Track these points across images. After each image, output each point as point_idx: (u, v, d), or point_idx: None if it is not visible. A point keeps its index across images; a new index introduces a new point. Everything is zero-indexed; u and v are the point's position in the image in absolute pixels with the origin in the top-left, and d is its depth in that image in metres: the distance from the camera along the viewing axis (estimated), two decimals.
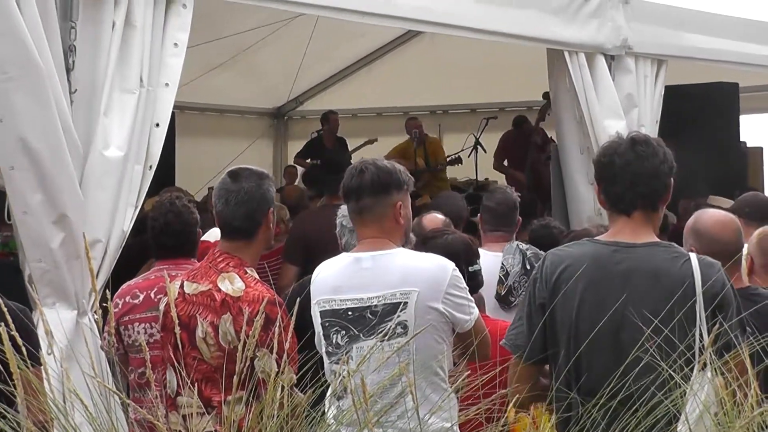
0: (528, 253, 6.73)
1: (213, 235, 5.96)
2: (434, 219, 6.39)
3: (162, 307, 4.70)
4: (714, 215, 5.17)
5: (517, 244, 6.79)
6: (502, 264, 6.70)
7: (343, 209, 5.20)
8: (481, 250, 6.51)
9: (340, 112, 15.70)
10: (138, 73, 5.62)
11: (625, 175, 4.23)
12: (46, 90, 5.13)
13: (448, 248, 5.32)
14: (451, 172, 14.36)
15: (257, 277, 4.56)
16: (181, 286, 4.57)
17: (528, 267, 6.57)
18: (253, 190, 4.57)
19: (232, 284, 4.49)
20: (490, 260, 6.61)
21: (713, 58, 9.72)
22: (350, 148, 14.34)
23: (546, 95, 13.25)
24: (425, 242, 5.47)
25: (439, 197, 8.53)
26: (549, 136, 13.24)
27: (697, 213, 5.25)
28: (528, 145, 13.54)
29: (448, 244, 5.39)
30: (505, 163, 14.18)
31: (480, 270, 5.51)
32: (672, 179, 4.28)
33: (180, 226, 5.76)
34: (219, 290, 4.48)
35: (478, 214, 7.31)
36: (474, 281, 5.43)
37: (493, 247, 6.88)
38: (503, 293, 6.66)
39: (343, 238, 5.47)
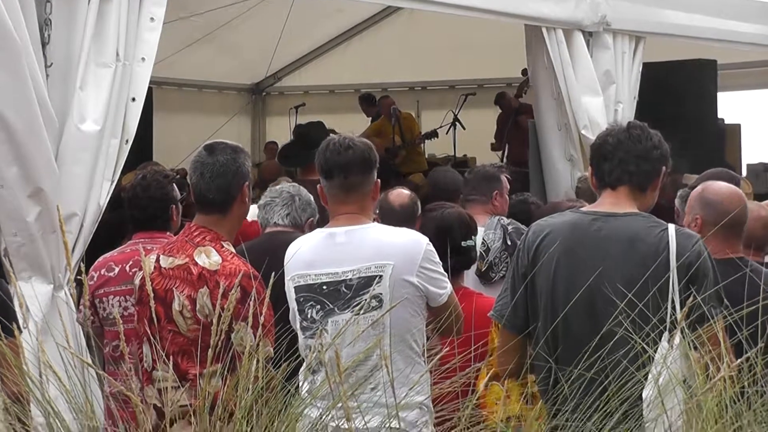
0: (509, 228, 6.72)
1: (252, 213, 5.95)
2: (400, 194, 6.39)
3: (137, 281, 4.69)
4: (723, 186, 5.20)
5: (499, 219, 6.79)
6: (483, 240, 6.70)
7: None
8: None
9: (317, 89, 15.71)
10: (114, 47, 5.60)
11: (616, 152, 4.31)
12: (21, 64, 5.10)
13: (444, 222, 5.35)
14: (430, 148, 14.38)
15: (233, 250, 4.56)
16: (157, 260, 4.57)
17: (509, 242, 6.57)
18: (228, 163, 4.56)
19: (208, 258, 4.48)
20: None
21: (691, 35, 9.74)
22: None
23: (525, 72, 13.30)
24: (423, 214, 5.47)
25: (436, 171, 8.52)
26: (524, 108, 13.31)
27: (705, 183, 5.28)
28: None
29: (444, 218, 5.41)
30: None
31: (474, 246, 5.51)
32: (665, 168, 4.33)
33: (147, 201, 5.76)
34: (196, 264, 4.48)
35: None
36: (466, 256, 5.44)
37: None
38: (484, 269, 6.66)
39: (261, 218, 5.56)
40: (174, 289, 4.48)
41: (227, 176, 4.55)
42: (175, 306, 4.46)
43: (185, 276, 4.48)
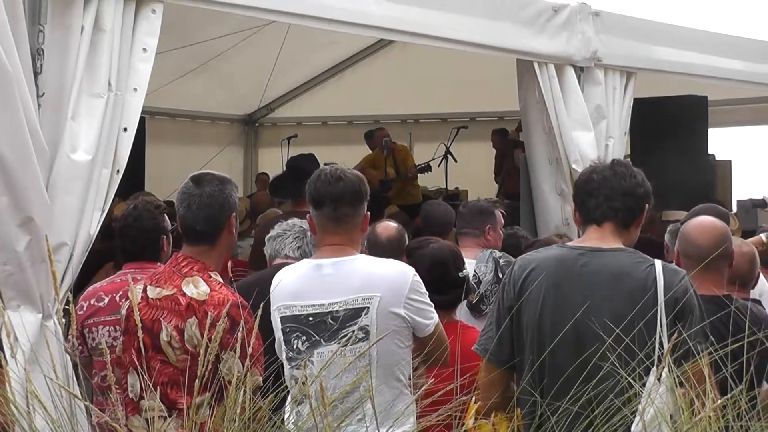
0: (501, 261, 6.74)
1: None
2: (388, 227, 6.41)
3: (124, 311, 4.69)
4: (700, 220, 5.23)
5: (491, 252, 6.80)
6: (475, 272, 6.71)
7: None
8: None
9: (310, 120, 15.72)
10: (106, 77, 5.60)
11: (601, 189, 4.35)
12: (13, 93, 5.11)
13: (437, 256, 5.35)
14: (422, 181, 14.39)
15: (221, 280, 4.57)
16: (144, 291, 4.57)
17: (500, 275, 6.57)
18: (215, 194, 4.57)
19: (196, 288, 4.49)
20: None
21: (682, 71, 9.76)
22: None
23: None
24: (411, 253, 5.49)
25: (429, 204, 8.54)
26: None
27: (689, 216, 5.34)
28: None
29: (436, 253, 5.42)
30: None
31: (468, 275, 5.53)
32: (647, 206, 4.36)
33: (137, 231, 5.76)
34: (184, 294, 4.49)
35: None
36: (467, 286, 5.45)
37: (467, 253, 6.88)
38: (475, 301, 6.66)
39: (268, 251, 5.55)
40: (162, 319, 4.48)
41: (214, 207, 4.56)
42: (163, 336, 4.46)
43: (173, 306, 4.49)
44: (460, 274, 5.45)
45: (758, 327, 4.46)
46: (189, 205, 4.59)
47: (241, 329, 4.03)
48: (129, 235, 5.78)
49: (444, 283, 5.18)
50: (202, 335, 4.36)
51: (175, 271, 4.58)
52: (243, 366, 3.99)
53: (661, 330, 4.05)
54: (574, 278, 4.25)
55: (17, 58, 5.14)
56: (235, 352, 4.04)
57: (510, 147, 13.78)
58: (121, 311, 4.79)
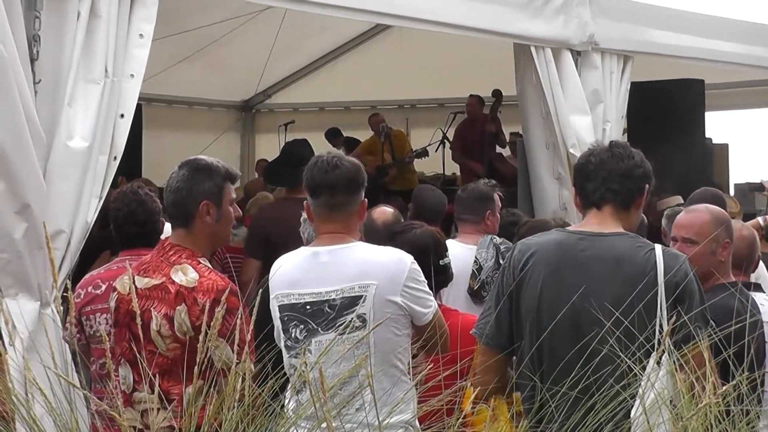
0: (502, 247, 6.72)
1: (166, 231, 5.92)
2: (384, 212, 6.40)
3: (112, 303, 4.68)
4: (693, 207, 5.26)
5: (491, 238, 6.79)
6: (476, 258, 6.70)
7: None
8: (454, 243, 6.55)
9: (307, 106, 15.70)
10: (103, 63, 5.59)
11: (599, 172, 4.32)
12: (9, 80, 5.10)
13: (418, 242, 5.33)
14: (419, 167, 14.39)
15: (210, 266, 4.57)
16: (132, 281, 4.55)
17: (501, 261, 6.55)
18: (183, 179, 4.57)
19: (185, 275, 4.48)
20: (464, 253, 6.63)
21: (679, 55, 9.77)
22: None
23: (495, 92, 13.35)
24: (393, 237, 5.48)
25: (421, 190, 8.51)
26: (502, 128, 13.40)
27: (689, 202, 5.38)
28: (483, 136, 13.57)
29: (417, 239, 5.40)
30: None
31: (450, 263, 5.52)
32: (647, 186, 4.34)
33: (144, 216, 5.74)
34: (173, 282, 4.48)
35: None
36: (445, 274, 5.45)
37: (467, 239, 6.89)
38: (476, 287, 6.66)
39: (305, 233, 5.48)
40: (151, 309, 4.47)
41: (180, 193, 4.58)
42: (153, 326, 4.45)
43: (162, 295, 4.48)
44: (441, 262, 5.42)
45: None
46: (167, 188, 4.63)
47: (239, 316, 4.04)
48: (135, 221, 5.73)
49: (424, 270, 5.18)
50: (191, 322, 4.36)
51: (163, 259, 4.57)
52: (233, 352, 4.00)
53: (661, 314, 4.05)
54: (573, 263, 4.24)
55: (13, 44, 5.13)
56: (228, 340, 4.04)
57: (481, 119, 13.73)
58: (109, 303, 4.77)
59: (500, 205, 7.21)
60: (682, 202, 8.23)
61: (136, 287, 4.49)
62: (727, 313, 4.21)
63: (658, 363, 3.80)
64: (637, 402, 3.44)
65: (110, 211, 5.88)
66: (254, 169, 15.02)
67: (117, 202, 5.82)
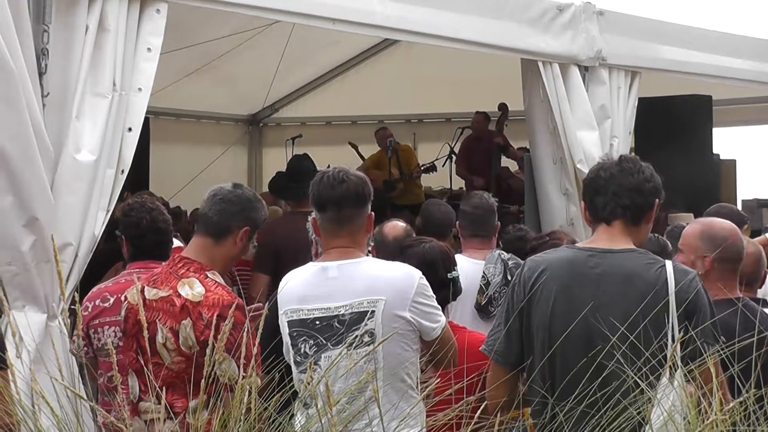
0: (510, 263, 6.70)
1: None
2: (395, 226, 6.39)
3: (123, 313, 4.69)
4: (700, 218, 5.28)
5: (499, 254, 6.77)
6: (484, 273, 6.68)
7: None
8: (462, 258, 6.52)
9: (314, 120, 15.69)
10: (111, 77, 5.61)
11: (609, 186, 4.31)
12: (18, 93, 5.11)
13: (426, 256, 5.33)
14: (426, 181, 14.38)
15: (219, 280, 4.57)
16: (142, 292, 4.56)
17: (509, 277, 6.53)
18: (241, 197, 4.64)
19: (192, 289, 4.49)
20: (471, 268, 6.60)
21: (687, 71, 9.76)
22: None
23: (501, 106, 13.35)
24: (402, 251, 5.48)
25: (429, 204, 8.50)
26: (509, 142, 13.39)
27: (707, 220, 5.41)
28: (489, 151, 13.58)
29: (426, 253, 5.40)
30: None
31: (458, 277, 5.51)
32: (657, 201, 4.33)
33: (164, 225, 5.76)
34: (179, 295, 4.48)
35: (457, 221, 7.32)
36: (454, 288, 5.45)
37: (474, 254, 6.87)
38: (483, 303, 6.64)
39: (314, 237, 5.49)
40: (157, 321, 4.48)
41: (233, 206, 4.62)
42: (159, 339, 4.46)
43: (168, 308, 4.49)
44: (449, 275, 5.42)
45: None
46: (214, 196, 4.65)
47: (246, 329, 4.04)
48: (151, 234, 5.73)
49: (432, 284, 5.18)
50: (196, 337, 4.36)
51: (172, 272, 4.58)
52: (239, 366, 4.00)
53: (673, 332, 4.03)
54: (584, 280, 4.22)
55: (22, 58, 5.14)
56: (233, 354, 4.05)
57: (487, 135, 13.73)
58: (120, 313, 4.79)
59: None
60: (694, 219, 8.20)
61: (144, 298, 4.50)
62: (731, 330, 4.20)
63: (669, 379, 3.79)
64: (654, 415, 3.43)
65: (125, 221, 5.86)
66: (267, 184, 15.00)
67: (129, 216, 5.82)
